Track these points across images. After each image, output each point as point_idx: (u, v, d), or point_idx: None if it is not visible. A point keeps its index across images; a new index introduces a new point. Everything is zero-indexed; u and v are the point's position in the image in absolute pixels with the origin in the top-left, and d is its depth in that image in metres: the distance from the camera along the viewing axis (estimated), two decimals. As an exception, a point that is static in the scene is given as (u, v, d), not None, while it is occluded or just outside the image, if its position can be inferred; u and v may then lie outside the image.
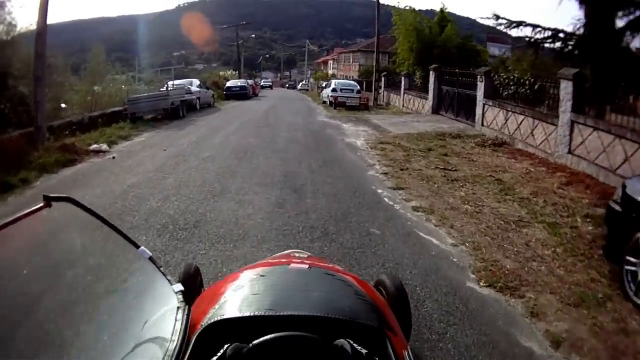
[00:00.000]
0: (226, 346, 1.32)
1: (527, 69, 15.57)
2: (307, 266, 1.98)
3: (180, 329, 1.46)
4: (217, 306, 1.58)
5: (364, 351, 1.31)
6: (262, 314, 1.50)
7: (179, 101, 18.08)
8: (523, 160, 9.40)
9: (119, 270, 1.69)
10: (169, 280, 1.75)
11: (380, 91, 27.82)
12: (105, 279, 1.54)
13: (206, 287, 2.61)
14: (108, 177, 8.18)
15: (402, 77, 23.08)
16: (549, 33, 10.27)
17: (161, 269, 1.77)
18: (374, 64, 27.76)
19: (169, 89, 18.09)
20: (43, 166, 8.68)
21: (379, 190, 7.23)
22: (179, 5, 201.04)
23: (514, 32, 11.54)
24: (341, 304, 1.64)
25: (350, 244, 5.01)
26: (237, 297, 1.65)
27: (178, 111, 17.79)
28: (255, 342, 1.30)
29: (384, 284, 2.43)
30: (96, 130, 13.83)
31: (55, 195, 1.37)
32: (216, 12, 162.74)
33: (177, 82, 21.59)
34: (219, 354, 1.30)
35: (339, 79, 52.01)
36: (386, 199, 6.79)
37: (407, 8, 23.05)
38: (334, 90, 24.39)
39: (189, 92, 20.50)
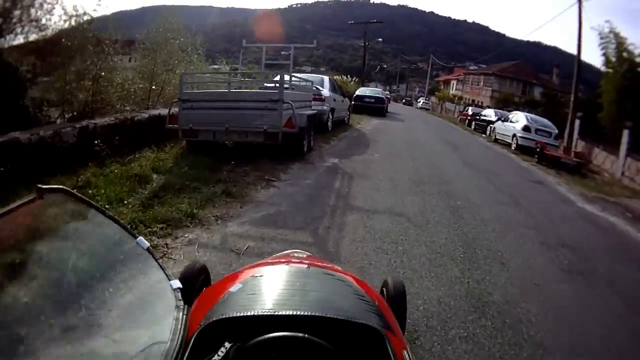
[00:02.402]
0: (228, 346, 1.28)
1: None
2: (305, 266, 1.87)
3: (179, 329, 1.39)
4: (215, 306, 1.50)
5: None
6: (261, 313, 1.43)
7: (305, 119, 8.36)
8: None
9: (116, 263, 1.54)
10: (167, 276, 1.62)
11: (573, 139, 17.52)
12: (101, 273, 1.43)
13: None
14: None
15: (627, 131, 13.70)
16: None
17: (159, 261, 1.64)
18: (573, 96, 17.80)
19: (283, 85, 7.83)
20: None
21: None
22: (292, 5, 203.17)
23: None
24: (340, 303, 1.59)
25: None
26: (236, 297, 1.55)
27: (300, 142, 8.26)
28: (255, 340, 1.26)
29: (387, 285, 2.26)
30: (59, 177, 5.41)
31: (48, 186, 1.27)
32: (328, 16, 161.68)
33: (301, 76, 11.21)
34: (220, 354, 1.27)
35: (469, 103, 44.30)
36: None
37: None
38: (526, 129, 15.91)
39: (319, 97, 11.56)
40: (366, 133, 14.22)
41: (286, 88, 7.96)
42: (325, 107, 11.98)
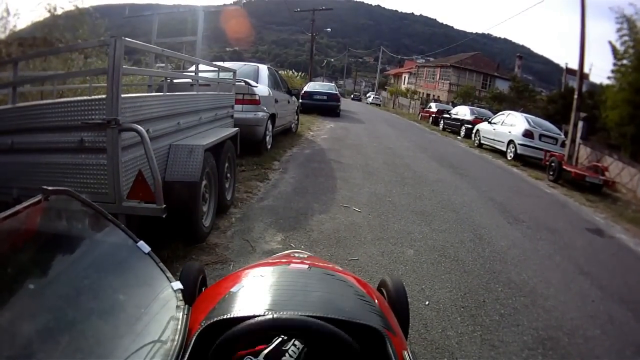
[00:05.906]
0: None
1: None
2: (306, 266, 1.80)
3: (180, 329, 1.37)
4: (216, 306, 1.45)
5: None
6: (261, 314, 1.34)
7: (198, 161, 3.70)
8: None
9: (117, 265, 1.57)
10: (167, 278, 1.62)
11: (575, 145, 13.22)
12: (102, 275, 1.44)
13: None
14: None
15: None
16: None
17: (160, 264, 1.63)
18: (576, 94, 13.12)
19: (118, 78, 2.81)
20: None
21: None
22: (236, 0, 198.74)
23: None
24: (341, 304, 1.54)
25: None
26: (237, 297, 1.50)
27: (191, 220, 3.82)
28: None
29: (386, 285, 2.07)
30: None
31: (54, 188, 1.26)
32: (272, 11, 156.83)
33: (220, 65, 6.25)
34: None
35: (425, 97, 41.50)
36: None
37: None
38: (528, 134, 12.37)
39: (251, 98, 7.49)
40: (324, 148, 10.05)
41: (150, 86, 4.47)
42: (260, 115, 7.67)
